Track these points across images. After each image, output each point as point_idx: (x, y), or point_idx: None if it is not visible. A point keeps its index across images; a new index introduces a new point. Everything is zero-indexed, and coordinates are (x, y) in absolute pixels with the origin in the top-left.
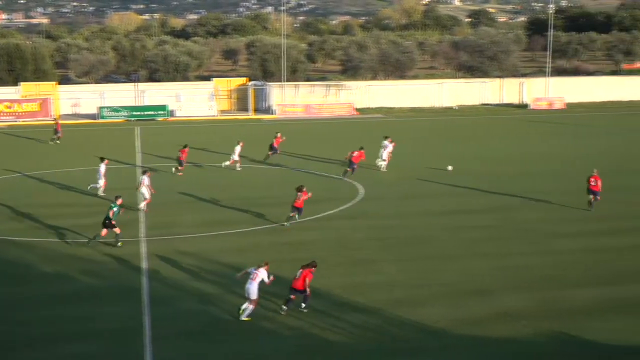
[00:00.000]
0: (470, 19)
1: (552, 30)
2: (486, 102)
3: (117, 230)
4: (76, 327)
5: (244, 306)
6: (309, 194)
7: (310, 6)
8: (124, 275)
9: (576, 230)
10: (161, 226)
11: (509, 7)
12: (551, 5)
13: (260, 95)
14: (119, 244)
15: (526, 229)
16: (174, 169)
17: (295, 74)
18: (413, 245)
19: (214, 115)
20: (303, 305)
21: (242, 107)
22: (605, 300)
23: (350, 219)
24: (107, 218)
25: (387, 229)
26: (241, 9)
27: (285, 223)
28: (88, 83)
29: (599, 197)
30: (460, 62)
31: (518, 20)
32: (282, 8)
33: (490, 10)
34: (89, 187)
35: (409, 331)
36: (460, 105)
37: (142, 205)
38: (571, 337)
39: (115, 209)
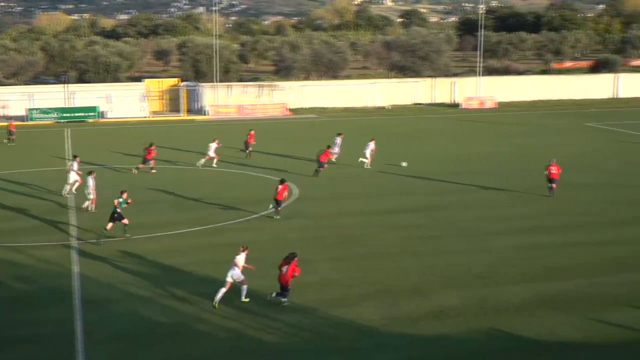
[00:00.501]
0: (402, 19)
1: (482, 30)
2: (419, 101)
3: (125, 221)
4: (7, 332)
5: (218, 296)
6: (287, 189)
7: (242, 6)
8: (56, 279)
9: (510, 227)
10: (94, 228)
11: (440, 7)
12: (481, 6)
13: (193, 96)
14: (127, 234)
15: (461, 227)
16: (134, 170)
17: (227, 75)
18: (348, 244)
19: (145, 117)
20: (284, 299)
21: (175, 108)
22: (536, 297)
23: (285, 219)
24: (115, 211)
25: (322, 229)
26: (172, 9)
27: (276, 216)
28: (16, 84)
29: (554, 185)
30: (393, 62)
31: (449, 20)
32: (214, 8)
33: (422, 10)
34: (64, 194)
35: (343, 330)
36: (393, 105)
37: (87, 204)
38: (504, 334)
39: (120, 200)
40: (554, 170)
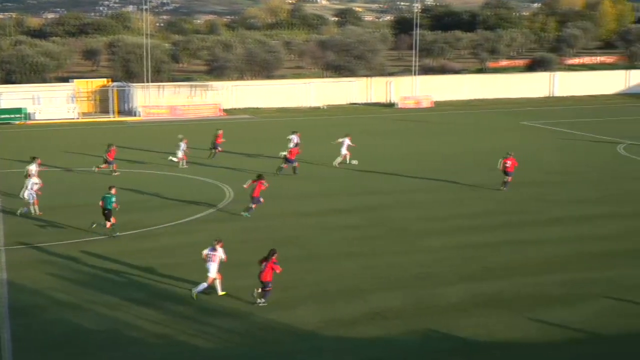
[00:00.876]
0: (336, 18)
1: (418, 29)
2: (354, 101)
3: (112, 220)
4: None
5: (199, 287)
6: (266, 185)
7: (174, 5)
8: None
9: (448, 227)
10: (22, 234)
11: (375, 6)
12: (417, 5)
13: (123, 96)
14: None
15: (398, 228)
16: (95, 168)
17: (159, 75)
18: (282, 246)
19: (75, 118)
20: (262, 300)
21: (105, 109)
22: (474, 297)
23: (219, 222)
24: (105, 208)
25: (256, 231)
26: (102, 8)
27: (244, 213)
28: None
29: (509, 178)
30: (328, 61)
31: (384, 19)
32: (144, 7)
33: (357, 9)
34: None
35: (279, 334)
36: (329, 105)
37: (29, 207)
38: (442, 334)
39: (108, 196)
40: (508, 163)
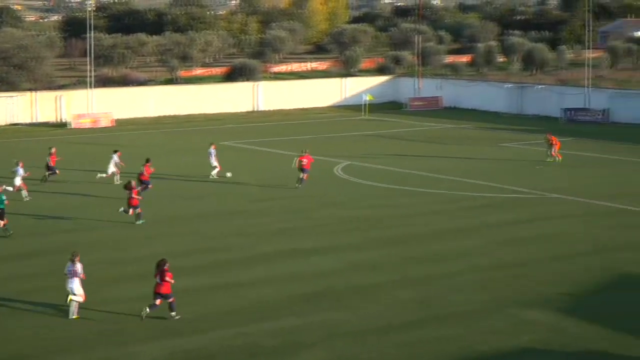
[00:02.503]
0: None
1: (92, 31)
2: (16, 121)
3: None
4: None
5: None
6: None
7: None
8: None
9: (136, 273)
10: None
11: (38, 3)
12: (90, 2)
13: None
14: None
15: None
16: (44, 177)
17: None
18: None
19: None
20: (173, 313)
21: None
22: (171, 356)
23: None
24: None
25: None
26: None
27: (138, 222)
28: None
29: (305, 176)
30: None
31: (51, 19)
32: None
33: (15, 7)
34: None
35: None
36: None
37: None
38: None
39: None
40: (304, 161)
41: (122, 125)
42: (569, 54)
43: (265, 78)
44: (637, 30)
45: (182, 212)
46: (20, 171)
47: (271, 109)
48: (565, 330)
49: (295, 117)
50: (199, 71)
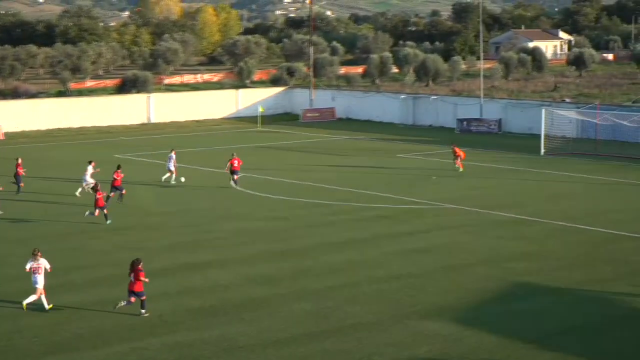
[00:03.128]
0: None
1: None
2: None
3: None
4: None
5: (28, 299)
6: (104, 193)
7: None
8: None
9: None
10: None
11: None
12: None
13: None
14: None
15: None
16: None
17: None
18: None
19: None
20: (143, 311)
21: None
22: None
23: None
24: None
25: None
26: None
27: (108, 222)
28: None
29: (237, 177)
30: None
31: None
32: None
33: None
34: None
35: None
36: None
37: None
38: None
39: None
40: (235, 163)
41: (13, 138)
42: (462, 65)
43: (157, 90)
44: (529, 41)
45: (72, 228)
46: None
47: (164, 121)
48: (463, 341)
49: (190, 129)
50: (90, 83)
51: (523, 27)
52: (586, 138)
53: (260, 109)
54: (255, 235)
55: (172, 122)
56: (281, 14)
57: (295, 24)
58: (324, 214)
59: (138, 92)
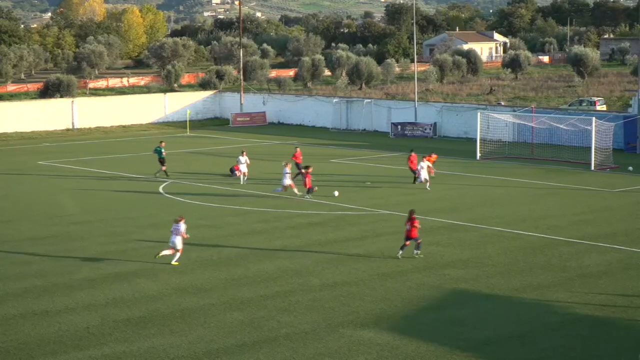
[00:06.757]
0: None
1: None
2: None
3: None
4: None
5: (164, 252)
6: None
7: None
8: None
9: None
10: None
11: None
12: None
13: None
14: None
15: None
16: None
17: None
18: None
19: None
20: (418, 251)
21: None
22: None
23: None
24: None
25: None
26: None
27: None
28: None
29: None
30: None
31: None
32: None
33: None
34: None
35: None
36: None
37: None
38: None
39: None
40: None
41: None
42: (396, 68)
43: (82, 94)
44: (463, 43)
45: None
46: None
47: (89, 126)
48: (399, 349)
49: (116, 134)
50: (11, 87)
51: (457, 29)
52: (522, 142)
53: (188, 113)
54: (185, 243)
55: (97, 128)
56: (209, 15)
57: (224, 25)
58: (256, 221)
59: (62, 96)
